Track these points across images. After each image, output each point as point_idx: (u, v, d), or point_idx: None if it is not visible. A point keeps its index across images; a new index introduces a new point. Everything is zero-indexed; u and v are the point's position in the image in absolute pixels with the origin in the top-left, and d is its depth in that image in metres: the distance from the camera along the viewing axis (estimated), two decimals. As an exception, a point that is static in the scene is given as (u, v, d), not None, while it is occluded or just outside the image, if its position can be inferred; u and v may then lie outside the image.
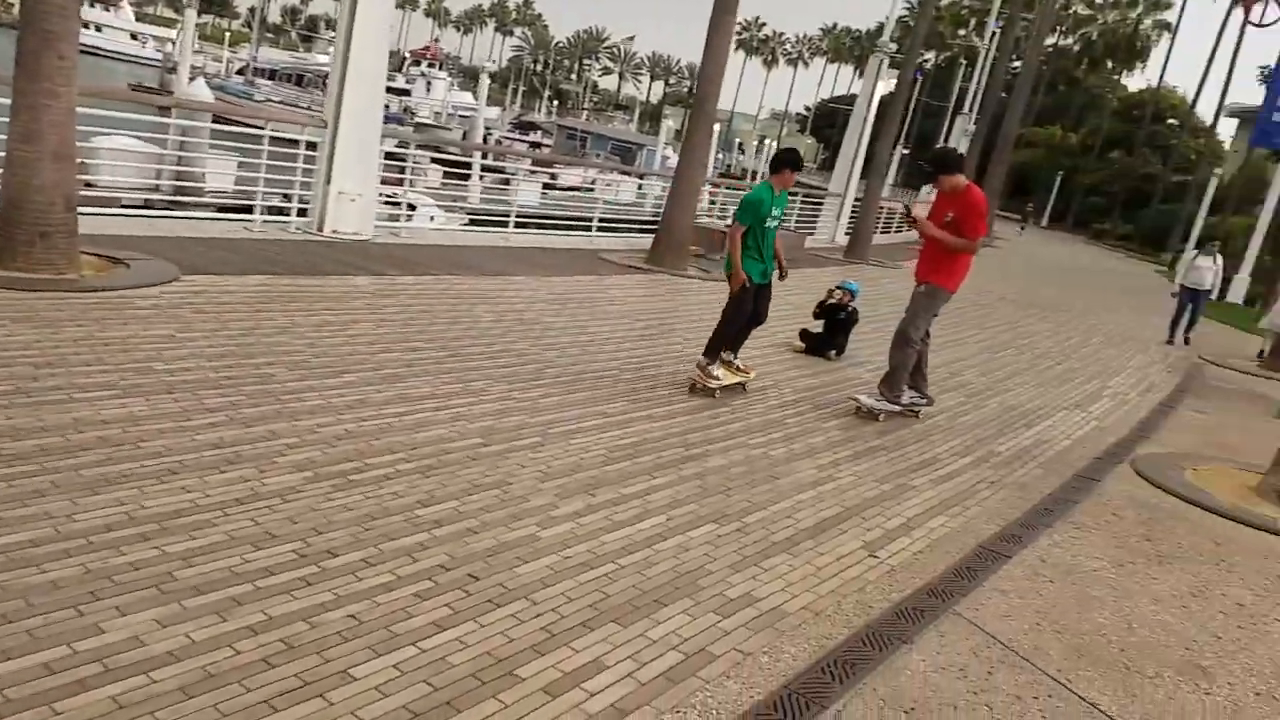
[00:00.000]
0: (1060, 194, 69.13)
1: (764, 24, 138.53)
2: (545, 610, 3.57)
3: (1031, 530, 5.36)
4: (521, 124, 65.86)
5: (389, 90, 56.92)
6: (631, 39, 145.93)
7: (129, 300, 6.71)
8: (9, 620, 2.94)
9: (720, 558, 4.31)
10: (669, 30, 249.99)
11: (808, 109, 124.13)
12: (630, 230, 17.94)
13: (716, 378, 7.20)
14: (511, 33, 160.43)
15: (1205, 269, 15.64)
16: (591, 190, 27.27)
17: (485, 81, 41.69)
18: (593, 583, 3.85)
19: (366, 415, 5.30)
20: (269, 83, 57.36)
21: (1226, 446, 8.56)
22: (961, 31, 76.18)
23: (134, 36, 79.28)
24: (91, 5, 72.20)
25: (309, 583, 3.48)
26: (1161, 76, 75.37)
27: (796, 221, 23.77)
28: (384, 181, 13.71)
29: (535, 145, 52.67)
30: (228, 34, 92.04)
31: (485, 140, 41.03)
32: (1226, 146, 61.94)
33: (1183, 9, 69.18)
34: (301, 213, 11.11)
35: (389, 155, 12.85)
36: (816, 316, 9.74)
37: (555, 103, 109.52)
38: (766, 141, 73.10)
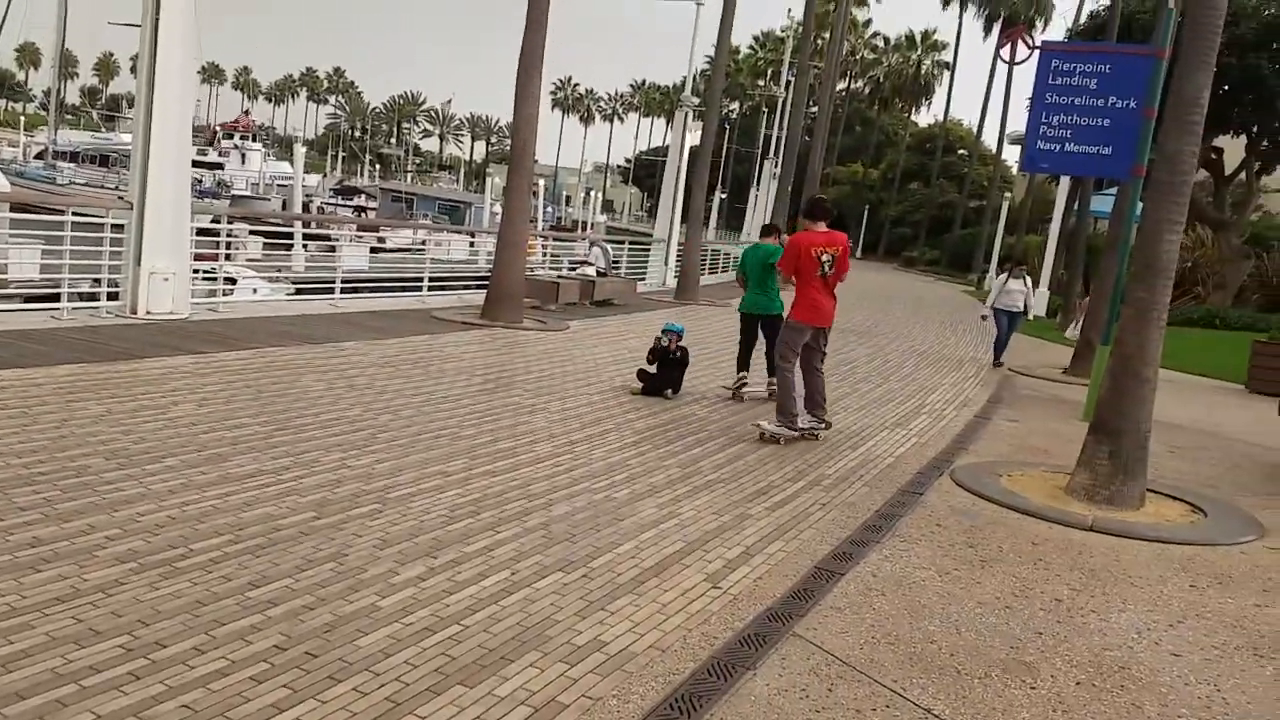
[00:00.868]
0: (870, 226, 73.21)
1: (577, 83, 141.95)
2: (389, 680, 3.51)
3: (862, 547, 5.61)
4: (344, 189, 65.05)
5: (202, 165, 55.61)
6: (449, 102, 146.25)
7: (-83, 402, 6.25)
8: None
9: (566, 606, 4.34)
10: (485, 90, 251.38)
11: (628, 160, 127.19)
12: (465, 287, 17.89)
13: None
14: (325, 101, 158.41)
15: (1017, 292, 16.18)
16: (423, 250, 27.08)
17: (300, 150, 40.95)
18: (437, 646, 3.81)
19: (190, 499, 5.09)
20: (71, 165, 54.97)
21: (1038, 451, 9.16)
22: (760, 82, 79.78)
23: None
24: None
25: (138, 676, 3.33)
26: (947, 111, 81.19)
27: (627, 268, 24.27)
28: (200, 257, 13.28)
29: (360, 210, 51.97)
30: (23, 118, 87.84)
31: (306, 208, 40.20)
32: (1014, 171, 66.78)
33: (957, 49, 74.63)
34: (113, 296, 10.64)
35: (204, 230, 12.46)
36: (650, 362, 9.95)
37: (377, 167, 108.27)
38: (592, 193, 74.34)
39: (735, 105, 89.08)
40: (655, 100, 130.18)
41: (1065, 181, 31.38)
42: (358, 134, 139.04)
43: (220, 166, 62.04)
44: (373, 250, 24.76)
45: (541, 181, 54.25)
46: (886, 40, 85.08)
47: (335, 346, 10.38)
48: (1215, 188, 29.42)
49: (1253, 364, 16.55)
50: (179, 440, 6.15)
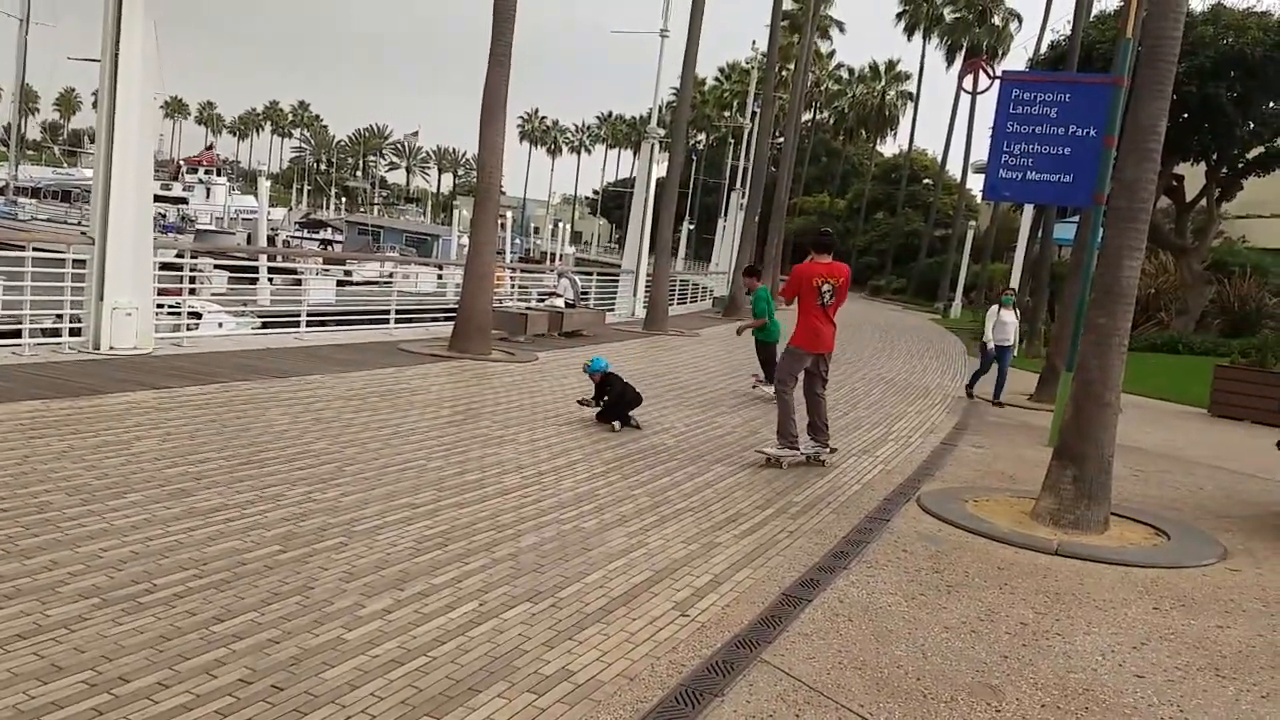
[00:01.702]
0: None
1: (543, 116, 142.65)
2: (355, 712, 3.48)
3: (829, 573, 5.63)
4: (310, 222, 64.81)
5: (166, 199, 55.18)
6: (415, 134, 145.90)
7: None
8: None
9: (535, 636, 4.32)
10: (452, 122, 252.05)
11: (596, 192, 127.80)
12: (433, 319, 17.84)
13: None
14: (290, 134, 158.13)
15: (1009, 324, 15.67)
16: (390, 283, 27.01)
17: (265, 184, 40.90)
18: (404, 679, 3.79)
19: (154, 534, 5.04)
20: (32, 201, 54.58)
21: (1003, 476, 9.26)
22: (726, 113, 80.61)
23: None
24: None
25: (101, 712, 3.29)
26: (911, 141, 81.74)
27: (596, 299, 24.34)
28: (164, 292, 13.18)
29: (326, 243, 51.76)
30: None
31: (271, 242, 40.01)
32: (979, 200, 67.78)
33: (920, 80, 75.75)
34: (75, 332, 10.54)
35: (168, 265, 12.39)
36: (596, 404, 9.87)
37: (343, 200, 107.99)
38: (561, 225, 74.53)
39: (702, 136, 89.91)
40: (622, 132, 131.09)
41: (1029, 209, 31.80)
42: (323, 167, 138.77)
43: (185, 201, 61.73)
44: (339, 283, 24.66)
45: (509, 213, 54.32)
46: (851, 71, 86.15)
47: (301, 380, 10.31)
48: (1177, 214, 29.93)
49: (1215, 388, 16.84)
50: (142, 476, 6.09)
